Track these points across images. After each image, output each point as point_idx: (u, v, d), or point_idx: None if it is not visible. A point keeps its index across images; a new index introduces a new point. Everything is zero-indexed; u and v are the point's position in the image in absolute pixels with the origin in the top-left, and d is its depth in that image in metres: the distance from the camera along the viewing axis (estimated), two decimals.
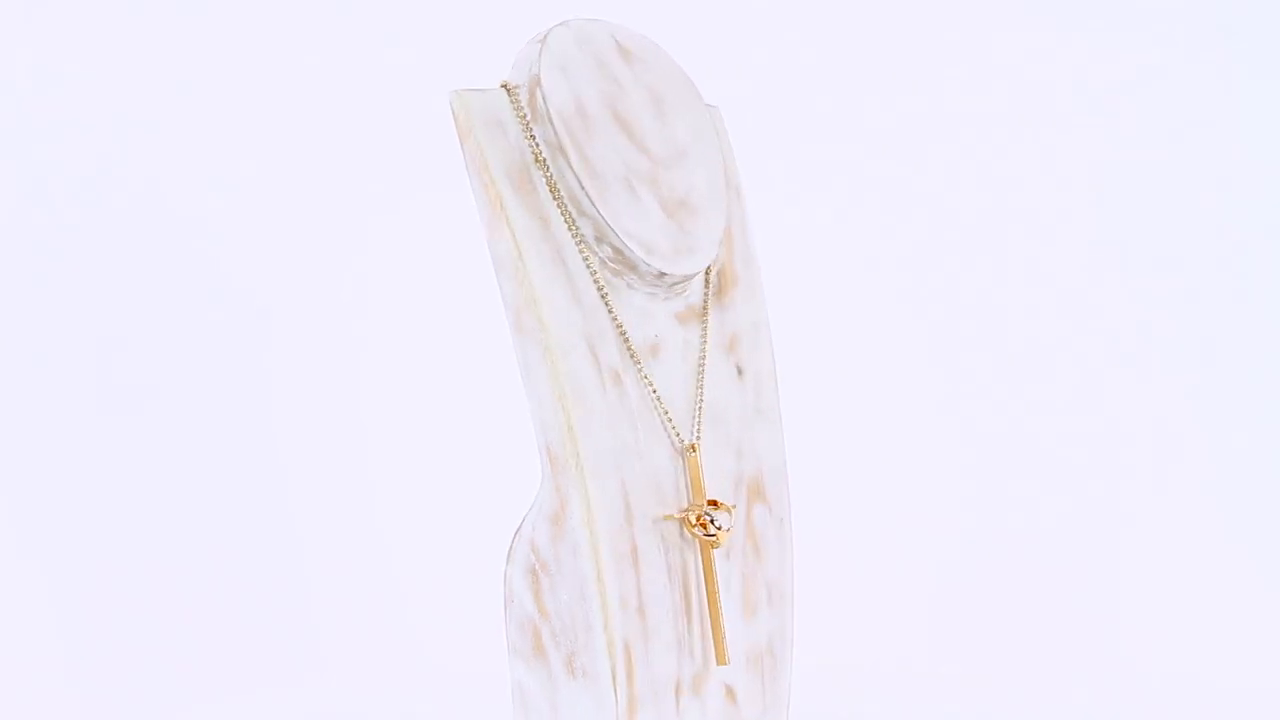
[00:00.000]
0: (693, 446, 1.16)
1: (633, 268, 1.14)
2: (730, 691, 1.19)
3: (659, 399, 1.15)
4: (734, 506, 1.18)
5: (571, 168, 1.12)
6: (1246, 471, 1.90)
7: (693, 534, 1.14)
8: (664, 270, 1.15)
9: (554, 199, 1.13)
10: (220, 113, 1.81)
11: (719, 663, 1.14)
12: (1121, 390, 1.91)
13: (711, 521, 1.14)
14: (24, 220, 1.76)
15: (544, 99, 1.13)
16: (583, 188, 1.12)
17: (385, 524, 1.86)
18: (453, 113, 1.13)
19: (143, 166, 1.79)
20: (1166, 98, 1.91)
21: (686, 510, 1.14)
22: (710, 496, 1.16)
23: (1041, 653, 1.76)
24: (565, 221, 1.13)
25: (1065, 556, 1.86)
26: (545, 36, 1.16)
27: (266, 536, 1.83)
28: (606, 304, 1.14)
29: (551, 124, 1.12)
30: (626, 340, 1.14)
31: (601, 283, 1.14)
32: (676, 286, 1.18)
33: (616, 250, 1.13)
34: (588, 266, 1.13)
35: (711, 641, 1.15)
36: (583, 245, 1.13)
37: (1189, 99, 1.90)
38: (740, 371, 1.22)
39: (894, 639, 1.81)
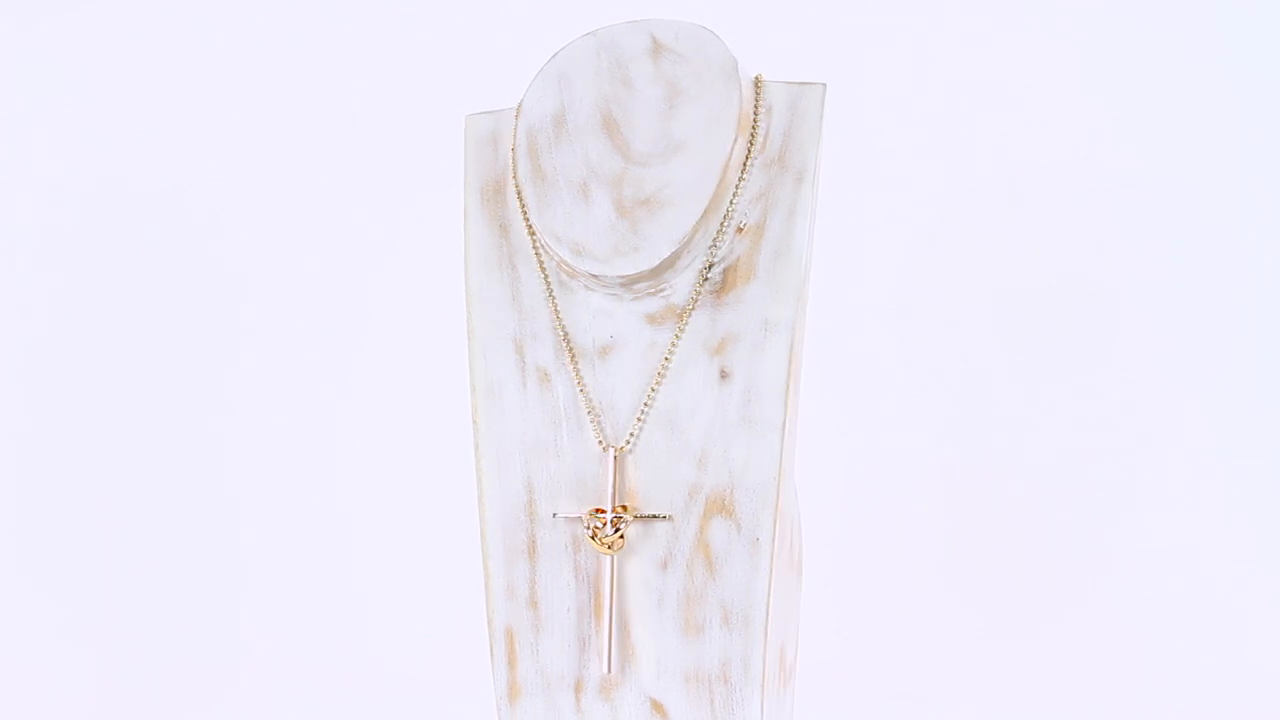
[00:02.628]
0: (616, 450, 1.14)
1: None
2: (659, 706, 1.14)
3: (588, 399, 1.16)
4: (668, 516, 1.13)
5: (518, 178, 1.19)
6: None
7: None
8: (594, 273, 1.15)
9: (520, 208, 1.20)
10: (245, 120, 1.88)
11: (605, 670, 1.13)
12: (1133, 400, 1.82)
13: (592, 530, 1.13)
14: (19, 221, 1.93)
15: (518, 114, 1.21)
16: (521, 197, 1.18)
17: (373, 526, 1.83)
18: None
19: (133, 169, 1.90)
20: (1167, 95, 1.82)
21: (587, 513, 1.14)
22: (639, 502, 1.14)
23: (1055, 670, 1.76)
24: (527, 229, 1.20)
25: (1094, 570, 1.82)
26: (560, 50, 1.22)
27: (250, 536, 1.87)
28: (553, 305, 1.18)
29: (516, 137, 1.20)
30: (566, 340, 1.17)
31: (553, 285, 1.18)
32: (640, 286, 1.16)
33: (559, 254, 1.17)
34: (542, 270, 1.19)
35: (627, 648, 1.14)
36: (541, 250, 1.19)
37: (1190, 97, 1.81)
38: (725, 376, 1.14)
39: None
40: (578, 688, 1.16)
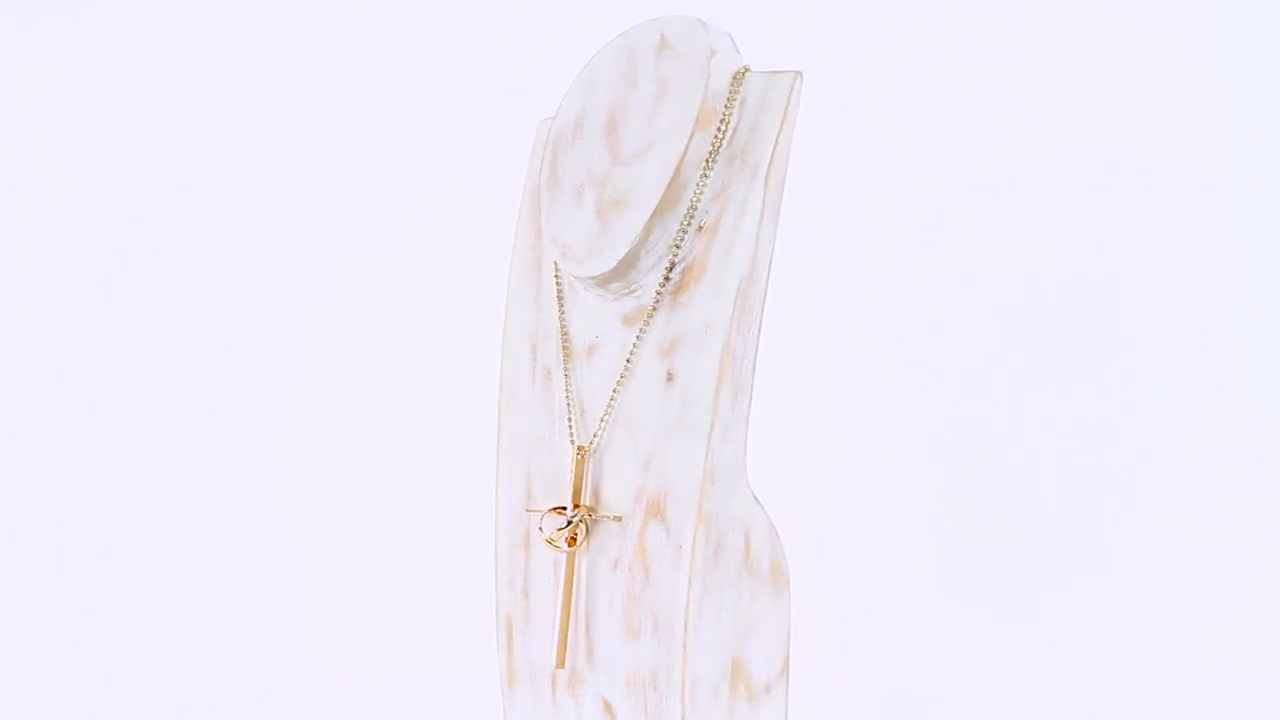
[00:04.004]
0: (581, 449, 1.15)
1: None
2: (609, 706, 1.14)
3: (570, 399, 1.17)
4: (617, 518, 1.13)
5: (540, 181, 1.21)
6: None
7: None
8: (574, 274, 1.17)
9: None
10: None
11: (555, 665, 1.14)
12: (1132, 400, 1.80)
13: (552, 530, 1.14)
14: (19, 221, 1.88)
15: (553, 119, 1.23)
16: (539, 199, 1.20)
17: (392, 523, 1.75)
18: None
19: (133, 169, 1.85)
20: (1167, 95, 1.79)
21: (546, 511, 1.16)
22: (600, 502, 1.15)
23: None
24: None
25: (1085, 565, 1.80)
26: (596, 53, 1.23)
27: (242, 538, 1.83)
28: (560, 306, 1.20)
29: (546, 141, 1.22)
30: (565, 340, 1.19)
31: (563, 286, 1.21)
32: (615, 286, 1.16)
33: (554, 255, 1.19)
34: (556, 271, 1.21)
35: (589, 646, 1.15)
36: None
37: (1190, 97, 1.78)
38: (670, 378, 1.12)
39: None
40: (554, 680, 1.18)
